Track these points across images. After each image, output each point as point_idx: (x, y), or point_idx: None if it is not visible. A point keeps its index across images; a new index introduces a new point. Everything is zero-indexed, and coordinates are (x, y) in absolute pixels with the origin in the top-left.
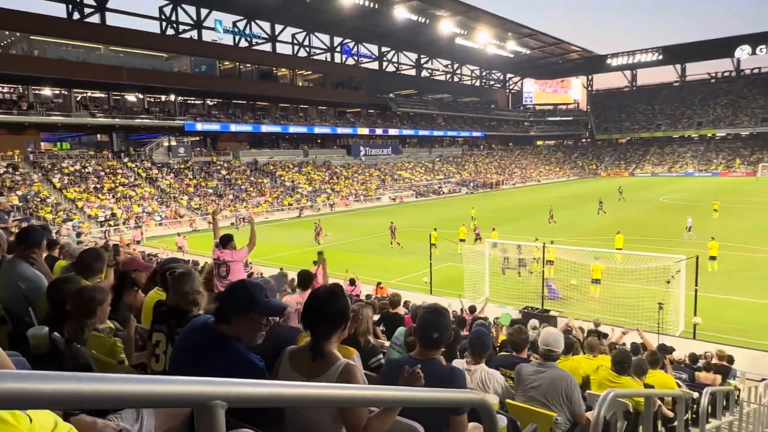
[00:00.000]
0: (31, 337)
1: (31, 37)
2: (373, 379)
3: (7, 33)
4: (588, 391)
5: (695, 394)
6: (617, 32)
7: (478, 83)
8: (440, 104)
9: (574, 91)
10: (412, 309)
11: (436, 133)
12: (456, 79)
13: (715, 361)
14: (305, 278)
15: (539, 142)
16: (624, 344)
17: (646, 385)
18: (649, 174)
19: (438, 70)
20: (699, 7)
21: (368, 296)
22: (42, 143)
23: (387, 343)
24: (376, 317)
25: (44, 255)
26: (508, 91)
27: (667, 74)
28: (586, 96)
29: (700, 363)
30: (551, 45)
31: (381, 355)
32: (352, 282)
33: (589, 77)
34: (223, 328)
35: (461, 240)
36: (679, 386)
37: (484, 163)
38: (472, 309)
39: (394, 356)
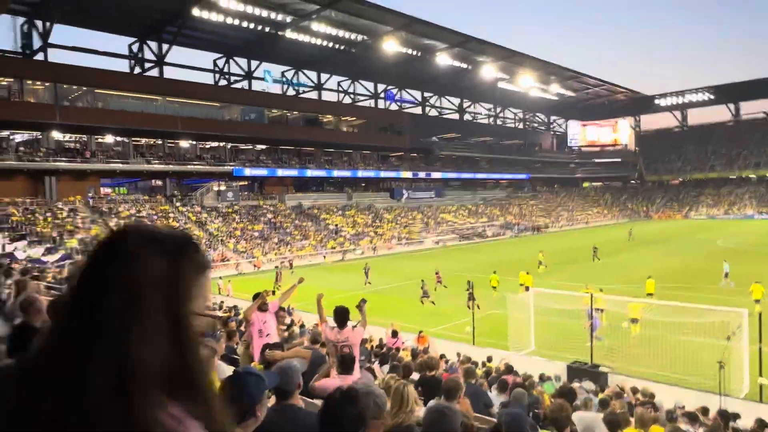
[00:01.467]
0: None
1: (96, 91)
2: None
3: (75, 88)
4: None
5: None
6: (665, 72)
7: (521, 126)
8: (483, 147)
9: (621, 132)
10: (450, 369)
11: (479, 176)
12: (499, 122)
13: None
14: (342, 315)
15: (586, 184)
16: (683, 407)
17: None
18: (705, 216)
19: (481, 113)
20: (751, 44)
21: (414, 355)
22: (101, 188)
23: (422, 413)
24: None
25: None
26: (552, 133)
27: (720, 113)
28: (634, 137)
29: None
30: (596, 87)
31: None
32: (395, 334)
33: (637, 118)
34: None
35: (521, 285)
36: None
37: (529, 206)
38: (509, 369)
39: None
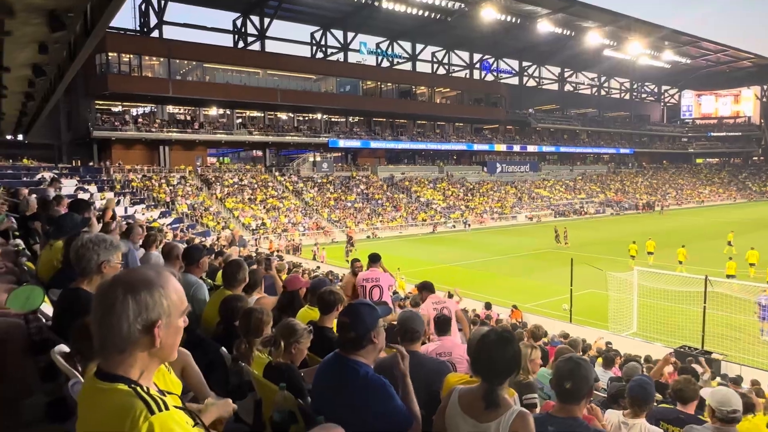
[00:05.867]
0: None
1: (204, 65)
2: None
3: (185, 62)
4: None
5: None
6: None
7: (627, 96)
8: (584, 119)
9: (744, 102)
10: (552, 341)
11: (578, 149)
12: (603, 92)
13: None
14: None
15: (699, 160)
16: None
17: None
18: None
19: (583, 83)
20: None
21: (534, 329)
22: (208, 158)
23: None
24: None
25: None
26: (662, 104)
27: None
28: (759, 108)
29: None
30: (716, 53)
31: (536, 394)
32: (488, 306)
33: (764, 87)
34: (358, 355)
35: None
36: None
37: (633, 183)
38: (608, 347)
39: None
